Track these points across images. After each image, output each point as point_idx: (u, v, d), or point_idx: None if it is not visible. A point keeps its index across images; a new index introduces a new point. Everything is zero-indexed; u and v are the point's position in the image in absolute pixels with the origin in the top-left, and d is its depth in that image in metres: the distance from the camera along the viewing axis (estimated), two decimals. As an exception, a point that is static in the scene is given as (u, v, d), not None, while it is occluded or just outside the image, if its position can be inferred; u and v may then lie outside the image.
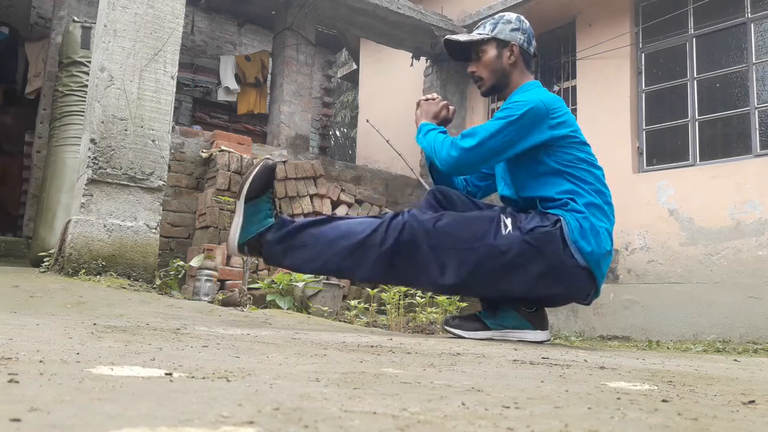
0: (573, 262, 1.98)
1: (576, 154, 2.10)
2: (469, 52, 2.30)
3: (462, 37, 2.30)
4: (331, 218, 2.06)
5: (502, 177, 2.32)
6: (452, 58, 2.40)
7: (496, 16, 2.29)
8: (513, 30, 2.23)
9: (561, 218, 1.99)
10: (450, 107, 2.35)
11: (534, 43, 2.30)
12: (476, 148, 2.07)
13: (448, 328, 2.18)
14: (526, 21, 2.30)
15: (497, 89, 2.29)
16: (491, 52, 2.23)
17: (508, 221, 2.01)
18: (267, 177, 2.05)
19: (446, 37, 2.36)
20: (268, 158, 2.10)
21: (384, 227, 1.98)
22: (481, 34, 2.26)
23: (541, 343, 2.09)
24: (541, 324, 2.12)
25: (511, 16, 2.28)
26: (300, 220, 2.07)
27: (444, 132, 2.24)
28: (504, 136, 2.06)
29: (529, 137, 2.06)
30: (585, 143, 2.15)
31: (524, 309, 2.10)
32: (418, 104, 2.35)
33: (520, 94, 2.16)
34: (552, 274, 1.99)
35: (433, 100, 2.34)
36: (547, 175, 2.09)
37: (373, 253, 1.97)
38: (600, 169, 2.16)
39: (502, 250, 1.96)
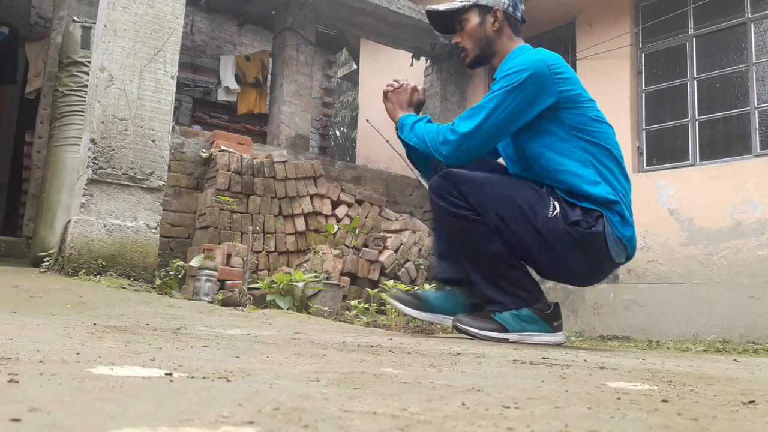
0: (612, 257, 1.97)
1: (587, 114, 1.97)
2: (452, 22, 2.16)
3: (442, 7, 2.16)
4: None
5: (505, 151, 2.18)
6: (437, 31, 2.27)
7: None
8: None
9: (603, 215, 1.92)
10: (419, 88, 2.20)
11: (521, 6, 2.15)
12: (477, 129, 1.92)
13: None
14: None
15: (483, 59, 2.14)
16: (474, 19, 2.10)
17: (556, 204, 1.91)
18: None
19: (427, 8, 2.20)
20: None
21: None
22: (462, 1, 2.12)
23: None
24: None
25: None
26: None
27: (429, 121, 2.10)
28: (506, 107, 1.90)
29: (536, 104, 1.91)
30: (592, 100, 2.03)
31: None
32: (386, 96, 2.19)
33: (515, 59, 2.00)
34: (587, 268, 2.00)
35: (400, 87, 2.18)
36: (561, 142, 1.95)
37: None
38: (611, 126, 2.04)
39: (543, 232, 1.89)
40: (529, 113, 1.93)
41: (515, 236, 1.94)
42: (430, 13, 2.19)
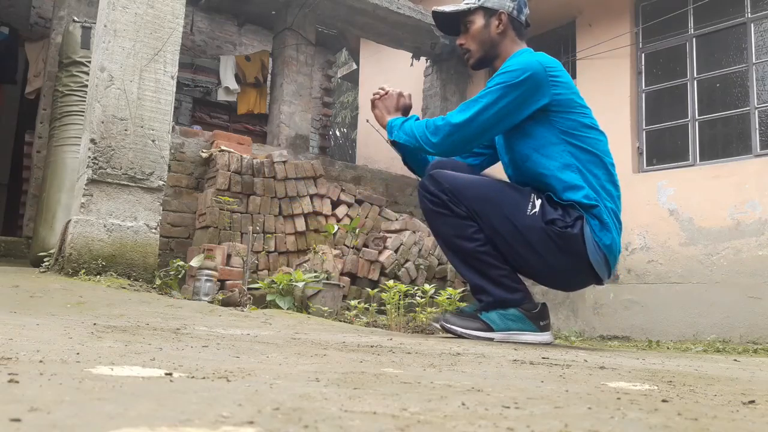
0: (590, 262, 1.97)
1: (579, 120, 2.00)
2: (457, 23, 2.19)
3: (448, 8, 2.20)
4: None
5: (501, 157, 2.22)
6: (442, 32, 2.31)
7: None
8: None
9: (582, 216, 1.94)
10: (405, 93, 2.23)
11: (526, 10, 2.18)
12: (471, 121, 1.96)
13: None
14: None
15: (486, 61, 2.17)
16: (479, 21, 2.13)
17: (537, 203, 1.95)
18: (464, 313, 2.11)
19: (433, 9, 2.24)
20: (436, 322, 2.15)
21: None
22: (467, 3, 2.15)
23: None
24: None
25: None
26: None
27: (418, 119, 2.12)
28: (500, 103, 1.95)
29: (529, 103, 1.95)
30: (586, 106, 2.05)
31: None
32: (374, 104, 2.23)
33: (514, 59, 2.04)
34: (568, 270, 2.00)
35: (386, 94, 2.21)
36: (550, 145, 1.98)
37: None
38: (603, 134, 2.07)
39: (521, 229, 1.93)
40: (522, 112, 1.97)
41: (495, 233, 1.98)
42: (436, 14, 2.22)
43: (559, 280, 2.13)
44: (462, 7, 2.16)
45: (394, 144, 2.15)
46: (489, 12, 2.13)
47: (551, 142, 1.99)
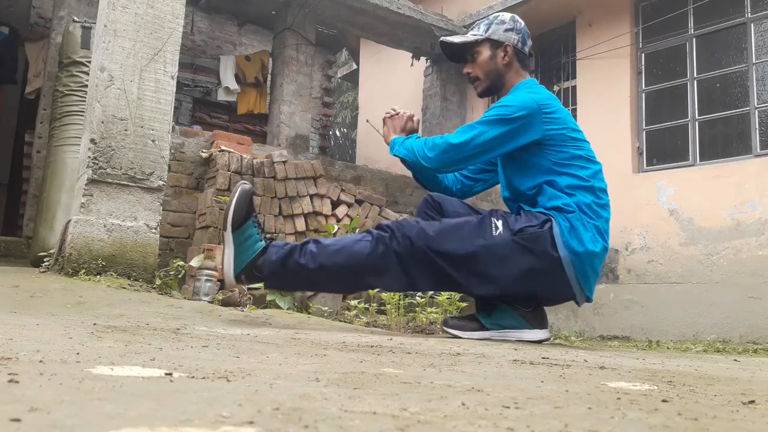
0: (560, 261, 1.97)
1: (572, 152, 2.08)
2: (464, 53, 2.31)
3: (456, 39, 2.32)
4: (319, 241, 2.04)
5: (500, 176, 2.33)
6: (449, 60, 2.42)
7: (491, 17, 2.29)
8: (507, 30, 2.24)
9: (551, 218, 1.99)
10: (414, 118, 2.36)
11: (529, 42, 2.30)
12: (466, 144, 2.07)
13: (446, 329, 2.20)
14: (520, 21, 2.30)
15: (493, 90, 2.29)
16: (485, 53, 2.24)
17: (499, 223, 2.02)
18: (247, 202, 2.02)
19: (441, 39, 2.37)
20: (243, 182, 2.09)
21: (380, 244, 1.99)
22: (475, 35, 2.26)
23: (540, 342, 2.08)
24: (540, 323, 2.10)
25: (505, 16, 2.28)
26: (292, 243, 2.06)
27: (418, 137, 2.25)
28: (493, 133, 2.05)
29: (520, 137, 2.06)
30: (581, 139, 2.13)
31: (522, 308, 2.07)
32: (384, 122, 2.36)
33: (513, 94, 2.17)
34: (541, 273, 1.98)
35: (396, 114, 2.34)
36: (541, 173, 2.08)
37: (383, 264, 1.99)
38: (598, 164, 2.14)
39: (492, 249, 1.98)
40: (512, 144, 2.08)
41: (473, 258, 1.99)
42: (444, 44, 2.35)
43: (535, 293, 2.09)
44: (470, 38, 2.26)
45: (403, 161, 2.27)
46: (495, 44, 2.23)
47: (544, 171, 2.08)
